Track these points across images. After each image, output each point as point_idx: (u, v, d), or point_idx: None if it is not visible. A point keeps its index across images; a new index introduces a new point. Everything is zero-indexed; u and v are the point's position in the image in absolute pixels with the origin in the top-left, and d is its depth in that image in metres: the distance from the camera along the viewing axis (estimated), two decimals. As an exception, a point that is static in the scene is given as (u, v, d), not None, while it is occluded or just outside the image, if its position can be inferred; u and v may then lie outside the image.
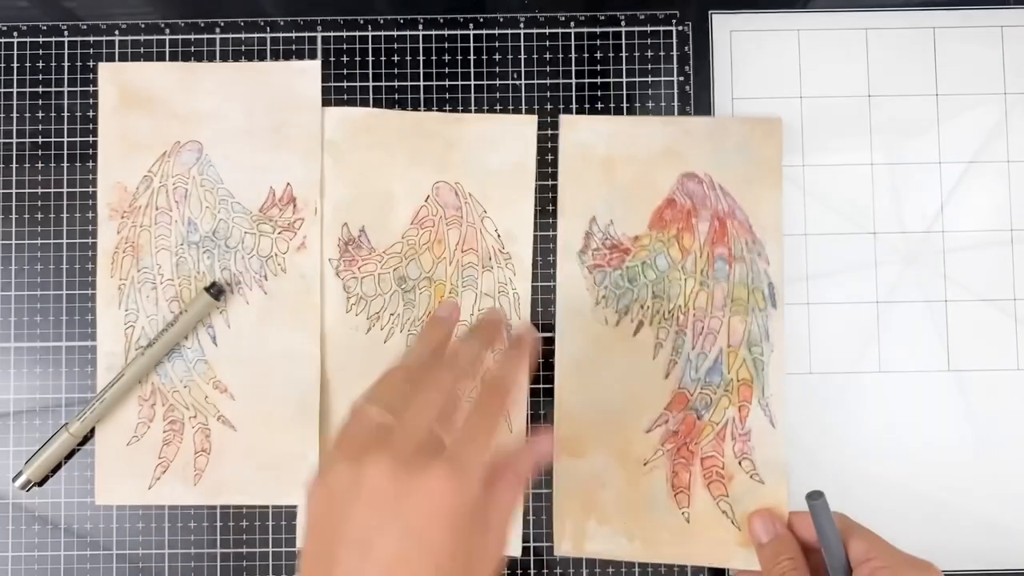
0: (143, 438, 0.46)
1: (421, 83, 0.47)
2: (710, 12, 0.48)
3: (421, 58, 0.48)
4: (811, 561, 0.42)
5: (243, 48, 0.48)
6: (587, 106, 0.47)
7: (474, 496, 0.31)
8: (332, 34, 0.48)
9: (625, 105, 0.47)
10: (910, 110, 0.47)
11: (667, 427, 0.45)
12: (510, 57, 0.48)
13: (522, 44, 0.48)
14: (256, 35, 0.48)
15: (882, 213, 0.47)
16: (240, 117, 0.47)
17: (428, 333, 0.40)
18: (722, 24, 0.48)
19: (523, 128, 0.47)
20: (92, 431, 0.46)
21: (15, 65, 0.48)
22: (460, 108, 0.47)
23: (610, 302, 0.46)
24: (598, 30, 0.48)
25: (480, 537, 0.31)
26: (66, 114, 0.47)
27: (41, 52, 0.48)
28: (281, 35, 0.48)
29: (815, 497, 0.39)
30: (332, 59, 0.47)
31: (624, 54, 0.48)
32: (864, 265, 0.47)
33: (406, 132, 0.47)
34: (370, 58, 0.47)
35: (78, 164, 0.47)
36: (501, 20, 0.48)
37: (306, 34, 0.48)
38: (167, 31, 0.48)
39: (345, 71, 0.47)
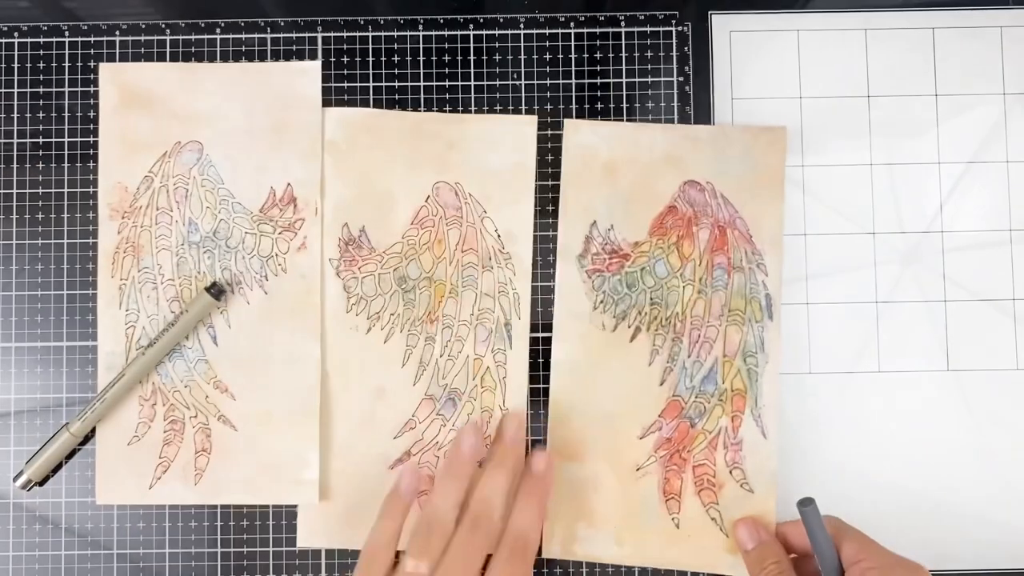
0: (144, 438, 0.46)
1: (421, 83, 0.47)
2: (710, 12, 0.48)
3: (421, 58, 0.48)
4: (806, 568, 0.42)
5: (243, 48, 0.48)
6: (587, 106, 0.47)
7: None
8: (332, 34, 0.48)
9: (625, 106, 0.47)
10: (909, 110, 0.47)
11: (660, 434, 0.45)
12: (510, 57, 0.48)
13: (522, 44, 0.48)
14: (256, 35, 0.48)
15: (881, 213, 0.47)
16: (240, 117, 0.47)
17: (455, 470, 0.42)
18: (722, 24, 0.48)
19: (523, 128, 0.47)
20: (93, 431, 0.46)
21: (15, 65, 0.48)
22: (460, 108, 0.47)
23: (608, 307, 0.46)
24: (598, 30, 0.48)
25: None
26: (67, 114, 0.47)
27: (42, 52, 0.48)
28: (281, 35, 0.48)
29: (806, 504, 0.39)
30: (332, 59, 0.48)
31: (624, 54, 0.48)
32: (863, 265, 0.47)
33: (406, 132, 0.47)
34: (370, 58, 0.48)
35: (79, 164, 0.47)
36: (501, 20, 0.48)
37: (306, 34, 0.48)
38: (167, 31, 0.48)
39: (345, 71, 0.48)
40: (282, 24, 0.48)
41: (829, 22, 0.48)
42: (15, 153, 0.47)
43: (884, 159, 0.47)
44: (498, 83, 0.47)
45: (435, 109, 0.47)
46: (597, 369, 0.46)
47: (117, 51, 0.48)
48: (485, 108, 0.47)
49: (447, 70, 0.48)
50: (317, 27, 0.48)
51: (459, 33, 0.48)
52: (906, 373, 0.47)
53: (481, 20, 0.48)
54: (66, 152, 0.47)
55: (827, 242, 0.47)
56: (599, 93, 0.47)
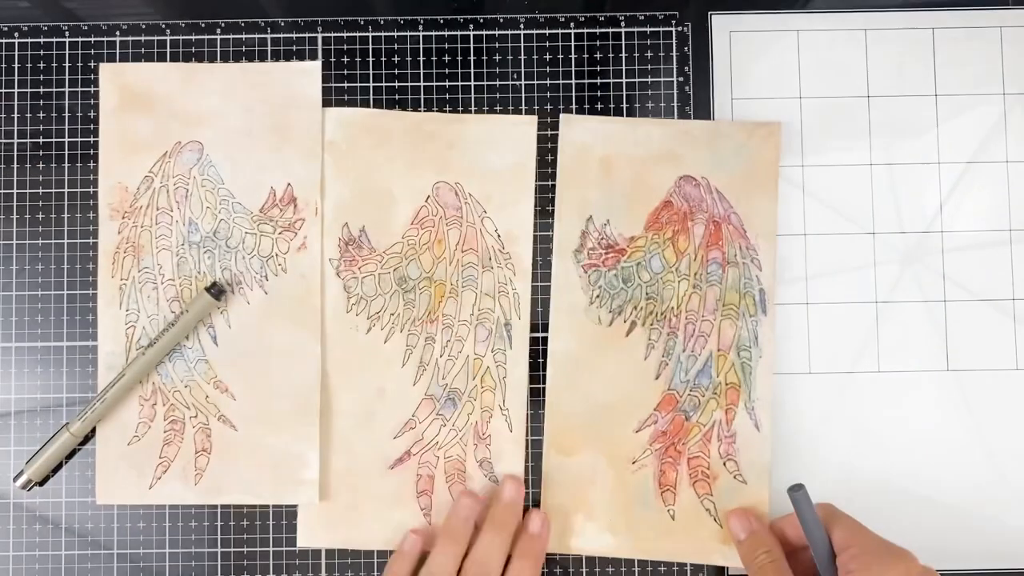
0: (144, 438, 0.46)
1: (421, 83, 0.47)
2: (710, 13, 0.48)
3: (421, 58, 0.48)
4: (802, 560, 0.43)
5: (244, 49, 0.48)
6: (587, 106, 0.47)
7: None
8: (332, 35, 0.48)
9: (625, 106, 0.47)
10: (909, 110, 0.47)
11: (656, 427, 0.46)
12: (510, 57, 0.48)
13: (522, 44, 0.48)
14: (257, 36, 0.48)
15: (881, 213, 0.47)
16: (241, 117, 0.47)
17: (453, 533, 0.43)
18: (721, 25, 0.48)
19: (523, 128, 0.47)
20: (93, 431, 0.46)
21: (16, 65, 0.48)
22: (460, 108, 0.47)
23: (604, 302, 0.46)
24: (598, 30, 0.48)
25: None
26: (67, 114, 0.47)
27: (42, 53, 0.48)
28: (282, 36, 0.48)
29: (796, 489, 0.40)
30: (332, 59, 0.48)
31: (624, 55, 0.48)
32: (863, 265, 0.47)
33: (406, 132, 0.47)
34: (370, 58, 0.48)
35: (79, 164, 0.47)
36: (501, 20, 0.48)
37: (306, 35, 0.48)
38: (168, 32, 0.48)
39: (345, 71, 0.48)
40: (282, 24, 0.48)
41: (829, 22, 0.48)
42: (15, 153, 0.47)
43: (884, 159, 0.47)
44: (498, 83, 0.48)
45: (435, 109, 0.47)
46: (593, 363, 0.46)
47: (117, 51, 0.48)
48: (485, 108, 0.47)
49: (447, 70, 0.48)
50: (317, 27, 0.48)
51: (459, 33, 0.48)
52: (906, 373, 0.47)
53: (481, 20, 0.48)
54: (66, 152, 0.47)
55: (827, 242, 0.47)
56: (599, 93, 0.47)
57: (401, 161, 0.47)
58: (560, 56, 0.48)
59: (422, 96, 0.47)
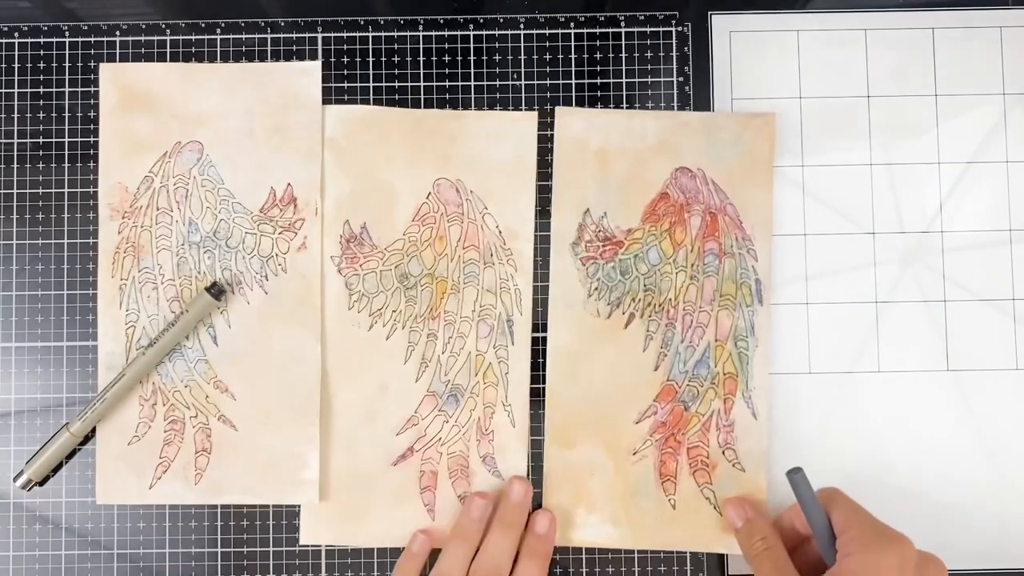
0: (144, 438, 0.46)
1: (421, 83, 0.47)
2: (709, 13, 0.48)
3: (421, 58, 0.48)
4: (807, 549, 0.43)
5: (244, 48, 0.48)
6: (587, 106, 0.47)
7: None
8: (332, 35, 0.48)
9: (624, 106, 0.47)
10: (909, 110, 0.47)
11: (656, 418, 0.46)
12: (510, 58, 0.48)
13: (522, 45, 0.48)
14: (257, 36, 0.48)
15: (881, 213, 0.47)
16: (241, 117, 0.47)
17: (464, 533, 0.44)
18: (721, 25, 0.48)
19: (523, 124, 0.47)
20: (93, 431, 0.46)
21: (16, 65, 0.48)
22: (460, 108, 0.47)
23: (602, 294, 0.46)
24: (598, 31, 0.48)
25: None
26: (67, 114, 0.47)
27: (42, 53, 0.48)
28: (282, 36, 0.48)
29: (795, 472, 0.40)
30: (332, 59, 0.48)
31: (624, 55, 0.48)
32: (863, 265, 0.47)
33: (406, 129, 0.47)
34: (370, 58, 0.48)
35: (79, 164, 0.47)
36: (501, 20, 0.48)
37: (306, 35, 0.48)
38: (168, 32, 0.48)
39: (345, 71, 0.48)
40: (282, 24, 0.48)
41: (829, 22, 0.48)
42: (15, 153, 0.47)
43: (884, 159, 0.47)
44: (498, 83, 0.48)
45: (435, 109, 0.47)
46: (592, 356, 0.46)
47: (117, 51, 0.48)
48: (485, 108, 0.47)
49: (447, 70, 0.48)
50: (317, 27, 0.48)
51: (459, 33, 0.48)
52: (906, 373, 0.47)
53: (481, 20, 0.48)
54: (66, 152, 0.47)
55: (827, 242, 0.47)
56: (599, 93, 0.47)
57: (402, 158, 0.47)
58: (560, 56, 0.48)
59: (422, 96, 0.48)
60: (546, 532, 0.44)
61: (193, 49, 0.48)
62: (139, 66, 0.47)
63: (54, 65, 0.48)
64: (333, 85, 0.47)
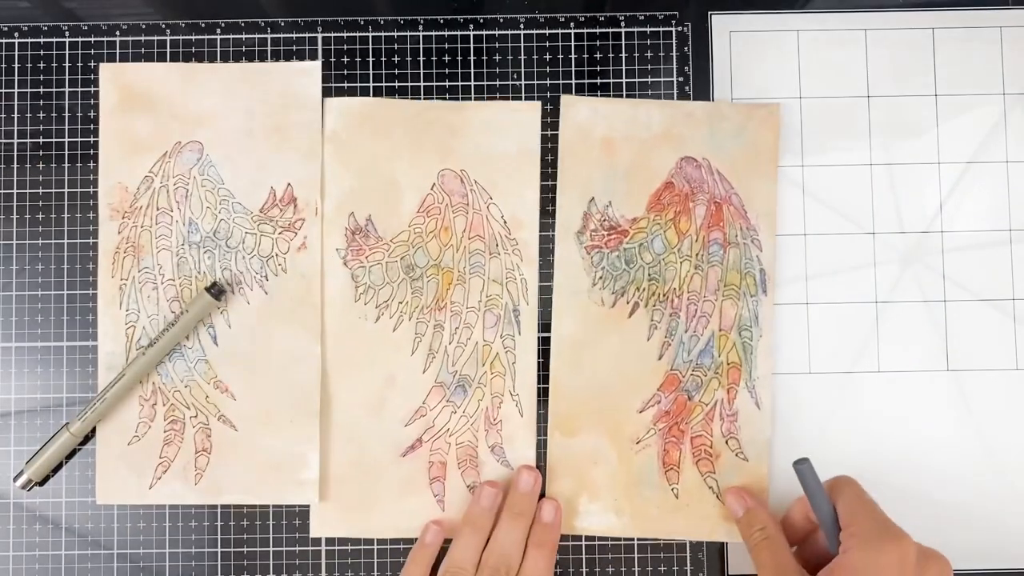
0: (144, 438, 0.46)
1: (421, 83, 0.48)
2: (709, 13, 0.48)
3: (421, 58, 0.48)
4: (812, 540, 0.43)
5: (244, 48, 0.48)
6: (587, 106, 0.47)
7: None
8: (332, 35, 0.48)
9: (625, 105, 0.47)
10: (909, 110, 0.47)
11: (659, 407, 0.46)
12: (510, 58, 0.48)
13: (522, 45, 0.48)
14: (257, 35, 0.48)
15: (881, 213, 0.47)
16: (241, 117, 0.47)
17: (475, 522, 0.44)
18: (721, 25, 0.48)
19: (527, 114, 0.47)
20: (93, 431, 0.46)
21: (16, 65, 0.48)
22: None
23: (607, 283, 0.46)
24: (598, 31, 0.48)
25: None
26: (67, 114, 0.47)
27: (42, 53, 0.48)
28: (282, 36, 0.48)
29: (801, 463, 0.40)
30: (333, 59, 0.48)
31: (624, 55, 0.48)
32: (863, 265, 0.47)
33: (408, 121, 0.47)
34: (370, 58, 0.48)
35: (79, 164, 0.47)
36: (501, 20, 0.48)
37: (307, 35, 0.48)
38: (168, 32, 0.48)
39: (346, 71, 0.48)
40: (282, 24, 0.48)
41: (829, 22, 0.48)
42: (15, 153, 0.47)
43: (884, 159, 0.47)
44: (498, 83, 0.48)
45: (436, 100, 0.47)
46: (596, 345, 0.46)
47: (117, 51, 0.48)
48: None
49: (447, 70, 0.48)
50: (317, 27, 0.48)
51: (459, 33, 0.48)
52: (906, 373, 0.47)
53: (481, 20, 0.48)
54: (66, 152, 0.47)
55: (827, 242, 0.47)
56: (599, 93, 0.47)
57: (405, 149, 0.47)
58: (560, 56, 0.48)
59: (422, 96, 0.48)
60: (552, 521, 0.44)
61: (193, 49, 0.48)
62: (139, 66, 0.47)
63: (54, 65, 0.48)
64: (333, 85, 0.47)
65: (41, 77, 0.48)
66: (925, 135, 0.47)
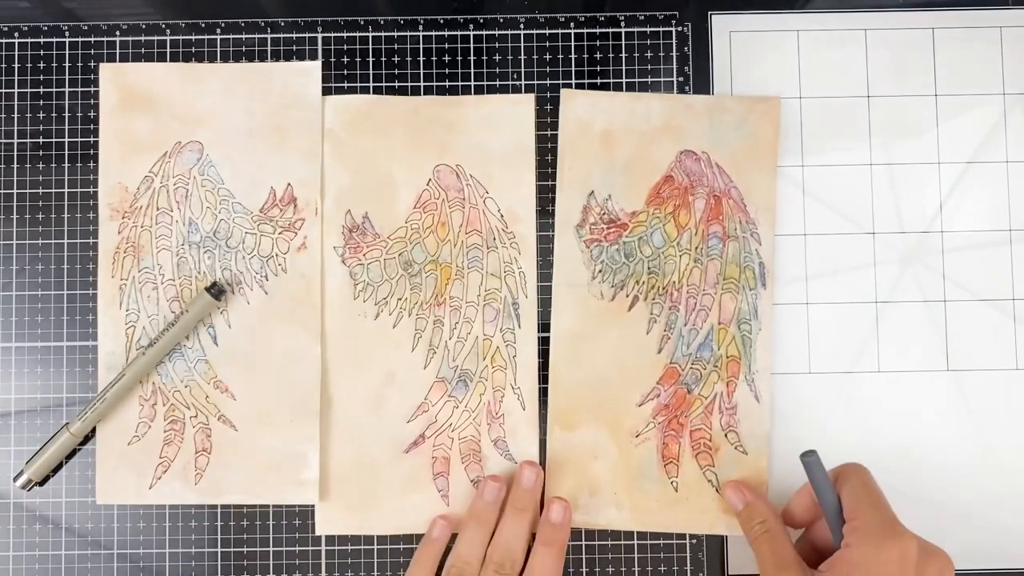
0: (144, 438, 0.46)
1: (421, 83, 0.48)
2: (709, 13, 0.48)
3: (421, 58, 0.48)
4: (815, 529, 0.43)
5: (244, 48, 0.48)
6: (587, 106, 0.47)
7: None
8: (332, 35, 0.48)
9: (625, 105, 0.47)
10: (909, 110, 0.47)
11: (658, 400, 0.46)
12: (510, 58, 0.48)
13: (522, 45, 0.48)
14: (257, 35, 0.48)
15: (881, 213, 0.47)
16: (241, 117, 0.47)
17: (479, 517, 0.44)
18: (721, 25, 0.48)
19: (521, 108, 0.47)
20: (93, 431, 0.46)
21: (16, 65, 0.48)
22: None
23: (606, 277, 0.46)
24: (598, 30, 0.48)
25: None
26: (67, 114, 0.47)
27: (42, 53, 0.48)
28: (282, 35, 0.48)
29: (809, 455, 0.40)
30: (332, 59, 0.48)
31: (624, 55, 0.48)
32: (863, 265, 0.47)
33: (405, 117, 0.47)
34: (370, 58, 0.48)
35: (79, 164, 0.47)
36: (501, 20, 0.48)
37: (306, 34, 0.48)
38: (168, 32, 0.48)
39: (345, 71, 0.48)
40: (282, 24, 0.48)
41: (829, 22, 0.48)
42: (15, 153, 0.47)
43: (884, 159, 0.47)
44: (498, 83, 0.48)
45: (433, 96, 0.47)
46: (596, 338, 0.46)
47: (117, 51, 0.48)
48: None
49: (447, 70, 0.48)
50: (317, 27, 0.48)
51: (459, 33, 0.48)
52: (906, 373, 0.47)
53: (481, 20, 0.48)
54: (66, 152, 0.47)
55: (827, 242, 0.47)
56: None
57: (401, 146, 0.47)
58: (560, 56, 0.48)
59: (422, 96, 0.47)
60: (561, 520, 0.44)
61: (193, 49, 0.48)
62: (139, 66, 0.47)
63: (54, 65, 0.48)
64: (333, 85, 0.47)
65: (41, 77, 0.48)
66: (925, 135, 0.47)
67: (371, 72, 0.48)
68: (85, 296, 0.47)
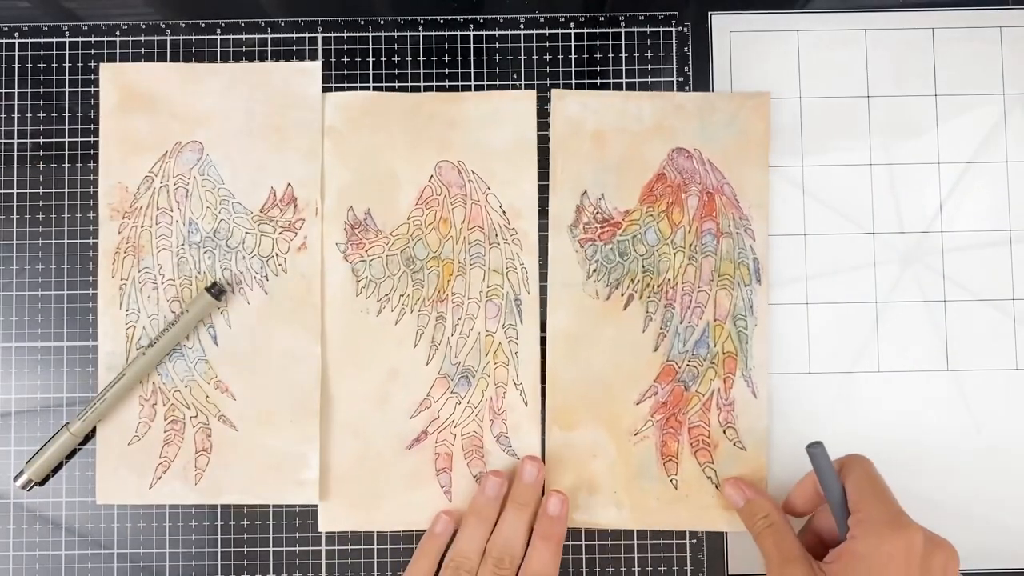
0: (144, 438, 0.46)
1: (421, 83, 0.48)
2: (709, 13, 0.48)
3: (421, 58, 0.48)
4: (819, 516, 0.43)
5: (244, 48, 0.48)
6: (587, 106, 0.47)
7: None
8: (333, 35, 0.48)
9: (625, 105, 0.47)
10: (909, 110, 0.47)
11: (656, 398, 0.46)
12: (510, 58, 0.48)
13: (522, 45, 0.48)
14: (257, 35, 0.48)
15: (881, 213, 0.47)
16: (241, 117, 0.47)
17: (480, 513, 0.44)
18: (721, 25, 0.48)
19: (523, 104, 0.47)
20: (93, 431, 0.46)
21: (16, 66, 0.48)
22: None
23: (601, 276, 0.46)
24: (598, 31, 0.48)
25: None
26: (67, 114, 0.47)
27: (42, 53, 0.48)
28: (282, 35, 0.48)
29: (815, 446, 0.40)
30: (333, 59, 0.48)
31: (624, 55, 0.48)
32: (863, 265, 0.47)
33: (406, 113, 0.47)
34: (370, 58, 0.48)
35: (79, 164, 0.47)
36: (501, 20, 0.48)
37: (307, 35, 0.48)
38: (168, 32, 0.48)
39: (346, 71, 0.48)
40: (282, 24, 0.48)
41: (829, 22, 0.48)
42: (15, 153, 0.47)
43: (884, 159, 0.47)
44: (498, 83, 0.48)
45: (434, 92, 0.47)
46: (592, 338, 0.46)
47: (117, 51, 0.48)
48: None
49: (447, 70, 0.48)
50: (317, 27, 0.48)
51: (459, 33, 0.48)
52: (906, 373, 0.47)
53: (481, 20, 0.48)
54: (66, 152, 0.47)
55: (827, 242, 0.47)
56: (599, 92, 0.47)
57: (402, 142, 0.47)
58: (560, 56, 0.48)
59: (423, 92, 0.47)
60: (559, 513, 0.44)
61: (193, 49, 0.48)
62: (139, 66, 0.47)
63: (54, 65, 0.48)
64: (333, 85, 0.47)
65: (41, 77, 0.48)
66: (925, 135, 0.47)
67: (371, 72, 0.48)
68: (85, 296, 0.47)
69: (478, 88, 0.47)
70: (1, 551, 0.46)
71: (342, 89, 0.47)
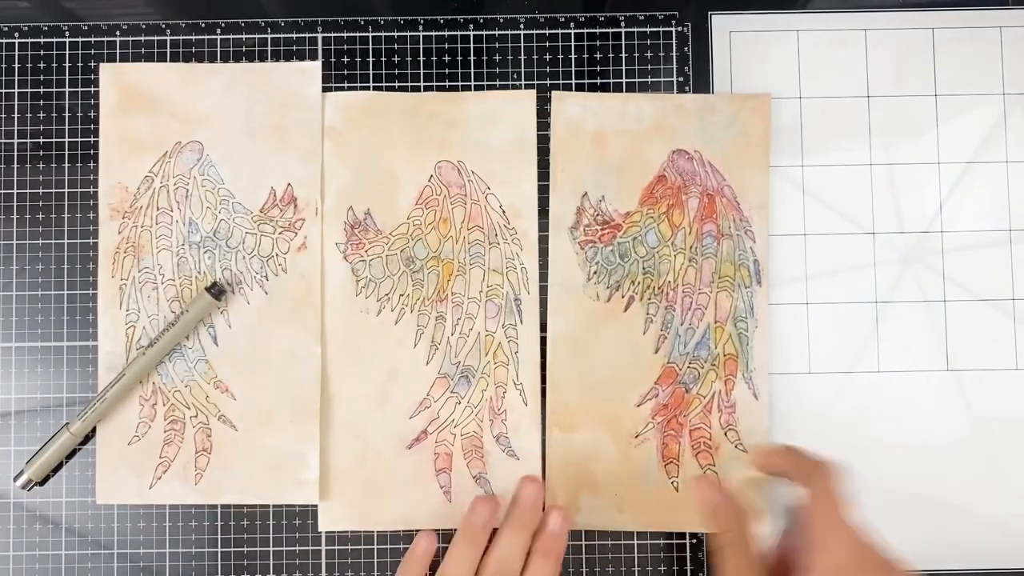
0: (144, 438, 0.46)
1: (421, 83, 0.48)
2: (709, 13, 0.48)
3: (421, 59, 0.48)
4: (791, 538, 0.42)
5: (244, 48, 0.48)
6: (587, 106, 0.47)
7: None
8: (333, 35, 0.48)
9: (625, 105, 0.47)
10: (909, 110, 0.47)
11: (657, 400, 0.46)
12: (510, 58, 0.48)
13: (522, 45, 0.48)
14: (257, 35, 0.48)
15: (881, 213, 0.47)
16: (241, 117, 0.47)
17: (469, 536, 0.42)
18: (721, 25, 0.48)
19: (522, 104, 0.47)
20: (93, 431, 0.46)
21: (16, 66, 0.48)
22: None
23: (601, 278, 0.46)
24: (598, 30, 0.48)
25: None
26: (67, 114, 0.47)
27: (42, 53, 0.48)
28: (282, 35, 0.48)
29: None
30: (333, 59, 0.48)
31: (624, 55, 0.48)
32: (863, 265, 0.47)
33: (406, 113, 0.47)
34: (370, 58, 0.48)
35: (79, 164, 0.47)
36: (501, 20, 0.48)
37: (307, 35, 0.48)
38: (168, 32, 0.48)
39: (346, 71, 0.48)
40: (282, 24, 0.48)
41: (829, 22, 0.48)
42: (15, 153, 0.47)
43: (884, 159, 0.47)
44: (498, 83, 0.48)
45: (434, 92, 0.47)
46: (593, 340, 0.46)
47: (117, 51, 0.48)
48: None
49: (447, 70, 0.48)
50: (317, 27, 0.48)
51: (459, 33, 0.48)
52: (906, 373, 0.47)
53: (481, 20, 0.48)
54: (66, 152, 0.47)
55: (827, 242, 0.47)
56: (599, 93, 0.47)
57: (402, 142, 0.47)
58: (560, 56, 0.48)
59: (423, 92, 0.47)
60: (559, 531, 0.43)
61: (193, 49, 0.48)
62: (139, 66, 0.47)
63: (54, 65, 0.48)
64: (333, 85, 0.47)
65: (41, 77, 0.48)
66: (925, 135, 0.47)
67: (371, 72, 0.48)
68: (85, 296, 0.47)
69: (478, 88, 0.47)
70: (1, 551, 0.46)
71: (342, 89, 0.47)
